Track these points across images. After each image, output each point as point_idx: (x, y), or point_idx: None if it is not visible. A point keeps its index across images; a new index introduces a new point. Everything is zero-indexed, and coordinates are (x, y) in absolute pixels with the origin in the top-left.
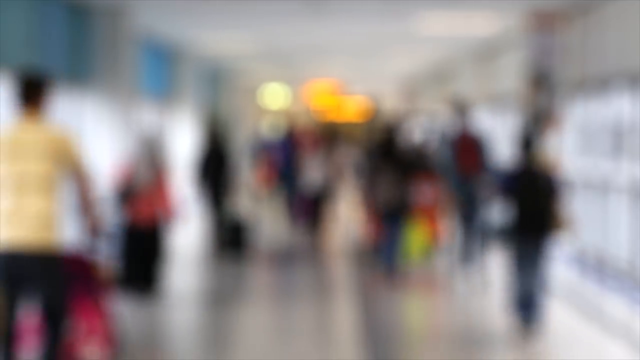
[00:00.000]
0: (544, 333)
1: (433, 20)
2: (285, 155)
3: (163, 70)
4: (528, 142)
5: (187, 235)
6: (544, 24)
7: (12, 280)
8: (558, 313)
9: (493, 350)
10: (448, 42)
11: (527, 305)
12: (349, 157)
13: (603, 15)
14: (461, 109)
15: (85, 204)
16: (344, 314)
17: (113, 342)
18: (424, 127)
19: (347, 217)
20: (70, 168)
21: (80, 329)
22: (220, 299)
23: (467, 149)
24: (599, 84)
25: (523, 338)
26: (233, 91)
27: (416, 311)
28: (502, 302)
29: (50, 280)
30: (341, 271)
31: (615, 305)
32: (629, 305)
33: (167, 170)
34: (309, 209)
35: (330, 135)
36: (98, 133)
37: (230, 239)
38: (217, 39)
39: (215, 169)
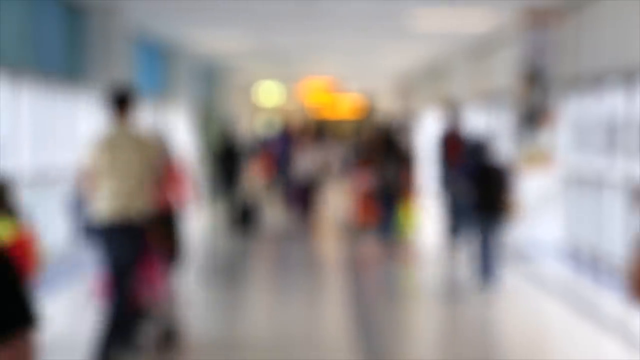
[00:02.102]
0: (541, 331)
1: (427, 17)
2: (282, 150)
3: (157, 68)
4: (486, 145)
5: (202, 217)
6: (538, 20)
7: (110, 243)
8: (553, 309)
9: (455, 304)
10: (442, 39)
11: (485, 268)
12: (337, 151)
13: (596, 12)
14: (451, 107)
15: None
16: (336, 278)
17: (168, 292)
18: (410, 124)
19: (335, 202)
20: (153, 160)
21: (144, 282)
22: (234, 271)
23: (454, 143)
24: (592, 81)
25: (480, 293)
26: (227, 89)
27: (402, 275)
28: (470, 267)
29: (132, 243)
30: (331, 245)
31: (610, 301)
32: (624, 302)
33: (179, 161)
34: (302, 197)
35: (319, 132)
36: (92, 130)
37: (241, 218)
38: (211, 36)
39: (227, 162)
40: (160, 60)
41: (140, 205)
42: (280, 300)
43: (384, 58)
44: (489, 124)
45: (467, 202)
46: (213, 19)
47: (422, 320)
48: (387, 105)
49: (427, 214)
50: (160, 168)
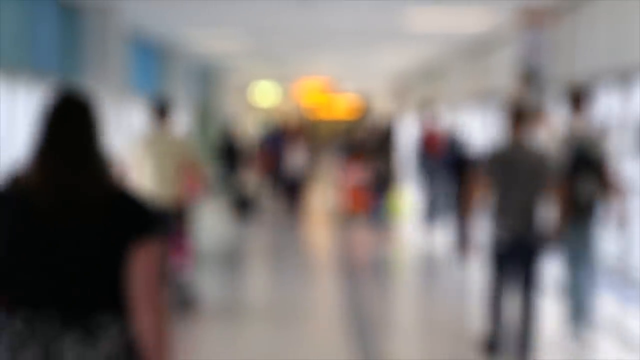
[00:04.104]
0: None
1: (423, 17)
2: (278, 148)
3: (153, 68)
4: (463, 141)
5: (208, 206)
6: (534, 21)
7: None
8: (550, 311)
9: (442, 270)
10: (438, 39)
11: (461, 241)
12: (326, 150)
13: (592, 12)
14: (427, 107)
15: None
16: (327, 257)
17: (192, 256)
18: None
19: (325, 194)
20: (184, 159)
21: (173, 247)
22: (237, 251)
23: (432, 139)
24: (588, 81)
25: (461, 261)
26: (223, 89)
27: (388, 252)
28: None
29: (171, 223)
30: (322, 230)
31: (606, 302)
32: (620, 303)
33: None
34: (292, 191)
35: (309, 132)
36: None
37: (241, 208)
38: (207, 36)
39: (227, 158)
40: (155, 59)
41: (176, 192)
42: (278, 274)
43: (380, 58)
44: (485, 123)
45: (447, 189)
46: (209, 19)
47: (405, 291)
48: (383, 106)
49: (410, 200)
50: (186, 165)
